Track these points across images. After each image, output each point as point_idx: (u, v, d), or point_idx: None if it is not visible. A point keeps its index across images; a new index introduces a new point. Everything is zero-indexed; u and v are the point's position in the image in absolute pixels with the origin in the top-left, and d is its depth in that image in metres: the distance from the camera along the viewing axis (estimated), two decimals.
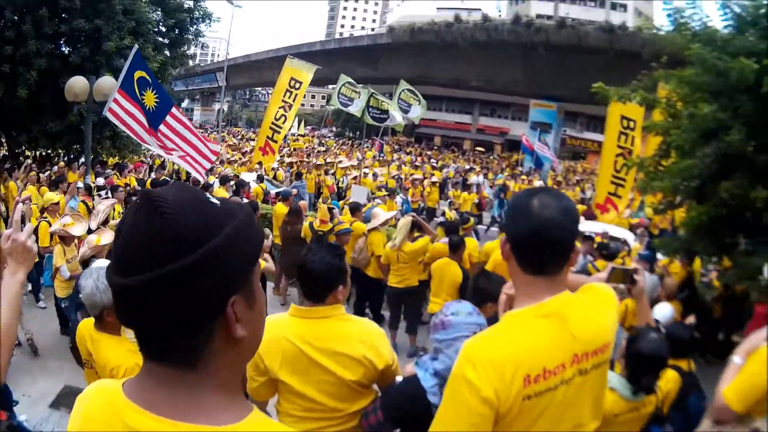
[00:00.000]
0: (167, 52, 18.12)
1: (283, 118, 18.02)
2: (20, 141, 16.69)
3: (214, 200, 1.07)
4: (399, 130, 26.22)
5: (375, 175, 19.87)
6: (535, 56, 38.87)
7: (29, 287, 8.78)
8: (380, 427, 2.83)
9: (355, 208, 10.01)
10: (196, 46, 21.61)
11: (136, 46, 12.16)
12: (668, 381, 4.19)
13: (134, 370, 3.00)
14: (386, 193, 14.65)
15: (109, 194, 10.73)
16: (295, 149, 31.98)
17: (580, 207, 17.04)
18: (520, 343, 1.89)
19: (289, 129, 20.10)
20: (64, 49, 15.65)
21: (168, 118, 11.79)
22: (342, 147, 40.81)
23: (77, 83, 12.62)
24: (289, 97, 17.96)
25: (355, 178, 18.79)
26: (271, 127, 18.04)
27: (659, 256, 8.92)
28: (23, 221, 2.31)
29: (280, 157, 22.45)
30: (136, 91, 11.45)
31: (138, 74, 11.50)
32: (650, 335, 3.15)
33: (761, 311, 3.22)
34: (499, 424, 1.88)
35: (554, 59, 37.58)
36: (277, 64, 61.84)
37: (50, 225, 8.06)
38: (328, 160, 24.68)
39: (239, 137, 47.16)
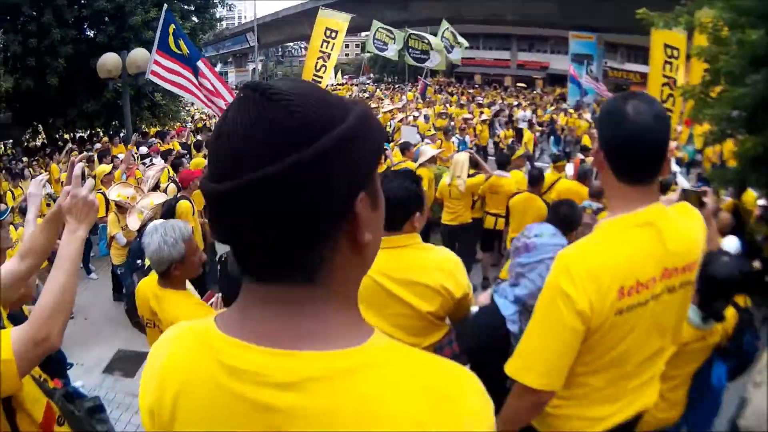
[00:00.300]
0: (195, 19, 18.07)
1: (323, 68, 17.45)
2: (57, 125, 16.92)
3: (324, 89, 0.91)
4: (442, 69, 25.70)
5: (426, 117, 19.31)
6: None
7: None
8: (455, 359, 2.76)
9: (404, 148, 10.02)
10: (223, 8, 21.52)
11: (166, 4, 12.14)
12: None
13: None
14: (434, 132, 14.66)
15: (153, 162, 10.90)
16: None
17: None
18: (616, 252, 1.88)
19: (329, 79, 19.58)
20: (89, 32, 15.73)
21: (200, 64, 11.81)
22: (384, 92, 40.43)
23: (109, 60, 12.73)
24: (326, 47, 17.42)
25: (401, 120, 18.36)
26: (312, 79, 17.08)
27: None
28: (83, 177, 2.24)
29: None
30: (172, 46, 11.39)
31: (171, 28, 11.51)
32: (723, 258, 3.04)
33: None
34: (588, 340, 1.87)
35: None
36: (307, 18, 60.85)
37: (105, 195, 8.19)
38: (372, 105, 24.31)
39: None
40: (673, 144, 13.44)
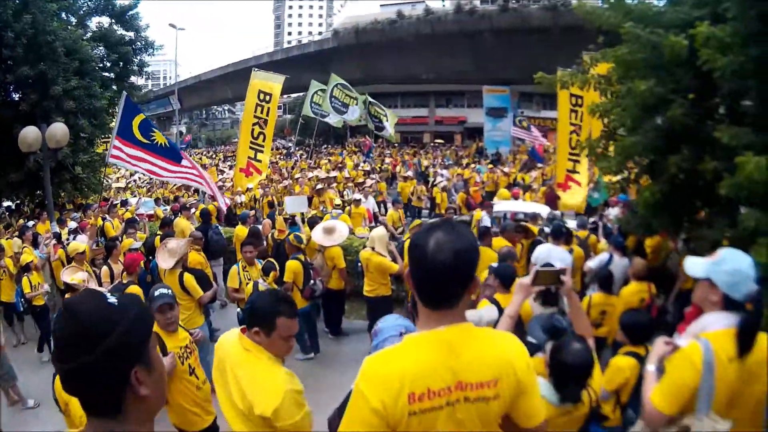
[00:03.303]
0: (114, 87, 18.07)
1: (261, 136, 17.36)
2: None
3: (112, 300, 1.52)
4: (392, 141, 26.10)
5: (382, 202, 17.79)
6: (481, 42, 39.02)
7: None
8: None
9: (313, 223, 10.17)
10: (141, 77, 21.58)
11: (125, 93, 12.68)
12: (625, 369, 4.35)
13: None
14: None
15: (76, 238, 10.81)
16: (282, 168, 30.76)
17: (542, 189, 17.17)
18: (409, 363, 2.09)
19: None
20: (14, 95, 15.53)
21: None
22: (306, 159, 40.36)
23: (30, 134, 12.65)
24: (261, 112, 17.32)
25: (369, 187, 18.12)
26: (252, 147, 17.33)
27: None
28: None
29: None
30: (137, 135, 12.04)
31: (138, 118, 12.17)
32: (574, 345, 3.19)
33: (693, 312, 3.35)
34: None
35: (501, 43, 37.76)
36: (229, 81, 60.70)
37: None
38: (310, 175, 23.48)
39: (214, 158, 46.83)
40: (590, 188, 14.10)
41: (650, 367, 3.01)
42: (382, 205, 17.41)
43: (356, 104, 20.32)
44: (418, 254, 2.09)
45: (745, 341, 2.73)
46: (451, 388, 2.08)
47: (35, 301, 9.23)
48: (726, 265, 2.84)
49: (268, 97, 17.36)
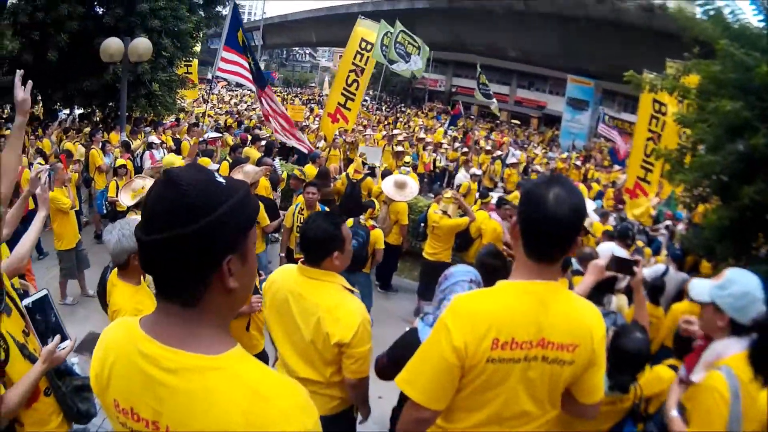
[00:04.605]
0: (201, 12, 18.16)
1: (355, 83, 16.64)
2: (55, 99, 16.91)
3: (221, 179, 1.36)
4: (497, 114, 25.44)
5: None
6: (572, 30, 37.76)
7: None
8: (386, 369, 3.14)
9: (386, 175, 10.21)
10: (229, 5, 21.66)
11: (233, 1, 12.78)
12: (664, 381, 4.18)
13: (131, 314, 3.34)
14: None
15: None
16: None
17: (609, 191, 16.78)
18: (500, 308, 2.11)
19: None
20: (98, 9, 15.75)
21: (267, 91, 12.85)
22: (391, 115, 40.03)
23: (112, 44, 12.93)
24: (360, 60, 16.66)
25: (466, 160, 17.80)
26: (343, 94, 16.69)
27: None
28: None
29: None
30: (241, 45, 12.29)
31: (240, 33, 12.40)
32: (635, 333, 3.17)
33: (702, 345, 3.14)
34: (464, 378, 2.13)
35: (592, 34, 36.50)
36: (315, 25, 60.42)
37: None
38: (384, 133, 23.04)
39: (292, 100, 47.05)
40: (654, 200, 13.67)
41: (673, 414, 2.92)
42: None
43: (419, 54, 19.48)
44: (537, 206, 2.07)
45: (758, 364, 2.58)
46: (533, 343, 2.08)
47: (118, 206, 9.38)
48: (732, 288, 2.70)
49: (369, 47, 16.89)
